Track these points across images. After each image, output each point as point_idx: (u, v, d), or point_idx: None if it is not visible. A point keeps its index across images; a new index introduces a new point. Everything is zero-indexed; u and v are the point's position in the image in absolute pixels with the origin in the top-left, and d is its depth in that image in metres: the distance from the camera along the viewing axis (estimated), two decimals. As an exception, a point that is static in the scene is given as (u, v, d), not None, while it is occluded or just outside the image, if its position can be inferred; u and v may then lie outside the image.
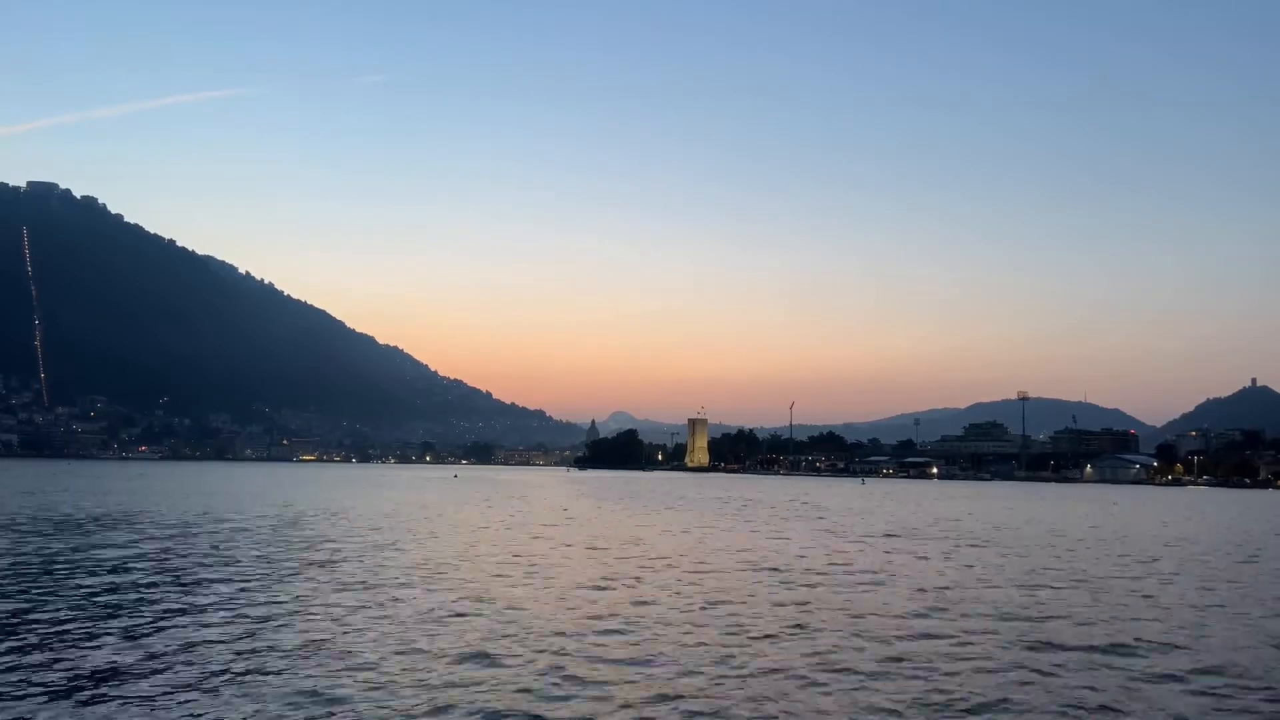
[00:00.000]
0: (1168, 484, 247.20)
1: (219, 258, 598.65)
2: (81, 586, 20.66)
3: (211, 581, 22.08)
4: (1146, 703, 12.71)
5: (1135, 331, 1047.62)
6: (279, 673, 12.99)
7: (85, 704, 11.34)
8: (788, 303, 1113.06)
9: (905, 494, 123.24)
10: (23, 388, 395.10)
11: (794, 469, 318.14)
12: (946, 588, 24.19)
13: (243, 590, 20.69)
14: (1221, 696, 13.18)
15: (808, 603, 20.86)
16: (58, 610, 17.53)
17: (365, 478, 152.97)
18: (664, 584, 23.67)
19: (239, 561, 26.32)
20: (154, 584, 21.33)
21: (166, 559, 26.51)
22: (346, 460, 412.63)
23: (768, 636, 16.56)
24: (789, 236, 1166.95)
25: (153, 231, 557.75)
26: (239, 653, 14.10)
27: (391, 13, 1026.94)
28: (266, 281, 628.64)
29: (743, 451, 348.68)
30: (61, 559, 25.94)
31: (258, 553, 28.64)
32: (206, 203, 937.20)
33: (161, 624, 16.35)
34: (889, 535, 43.44)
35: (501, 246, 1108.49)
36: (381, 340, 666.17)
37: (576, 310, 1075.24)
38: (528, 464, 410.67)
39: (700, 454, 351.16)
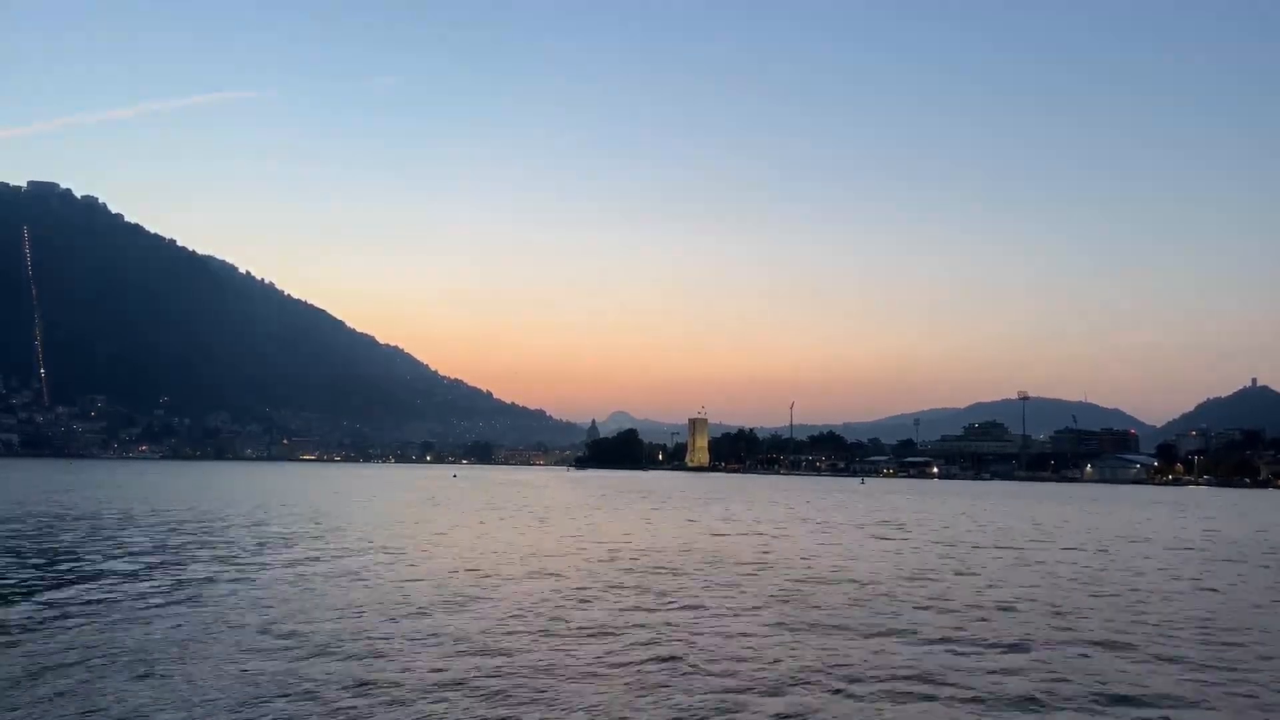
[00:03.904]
0: (1168, 484, 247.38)
1: (219, 257, 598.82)
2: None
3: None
4: None
5: (1136, 331, 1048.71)
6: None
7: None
8: (788, 302, 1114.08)
9: (957, 496, 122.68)
10: (23, 387, 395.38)
11: (794, 469, 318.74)
12: None
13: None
14: None
15: None
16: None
17: (389, 479, 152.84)
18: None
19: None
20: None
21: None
22: (347, 460, 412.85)
23: None
24: (789, 236, 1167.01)
25: (153, 231, 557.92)
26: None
27: (392, 14, 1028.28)
28: (267, 281, 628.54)
29: (743, 451, 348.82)
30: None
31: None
32: (206, 203, 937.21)
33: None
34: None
35: (501, 246, 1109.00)
36: (381, 340, 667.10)
37: (576, 310, 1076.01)
38: (528, 464, 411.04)
39: (700, 454, 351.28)
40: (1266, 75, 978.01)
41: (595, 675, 13.67)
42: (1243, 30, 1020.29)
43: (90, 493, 69.63)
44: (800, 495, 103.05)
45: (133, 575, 23.02)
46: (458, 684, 12.96)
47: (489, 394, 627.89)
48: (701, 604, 20.47)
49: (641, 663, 14.54)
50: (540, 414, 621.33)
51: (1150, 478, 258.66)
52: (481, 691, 12.57)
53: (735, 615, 19.04)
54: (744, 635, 16.92)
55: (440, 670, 13.71)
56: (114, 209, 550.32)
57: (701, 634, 17.00)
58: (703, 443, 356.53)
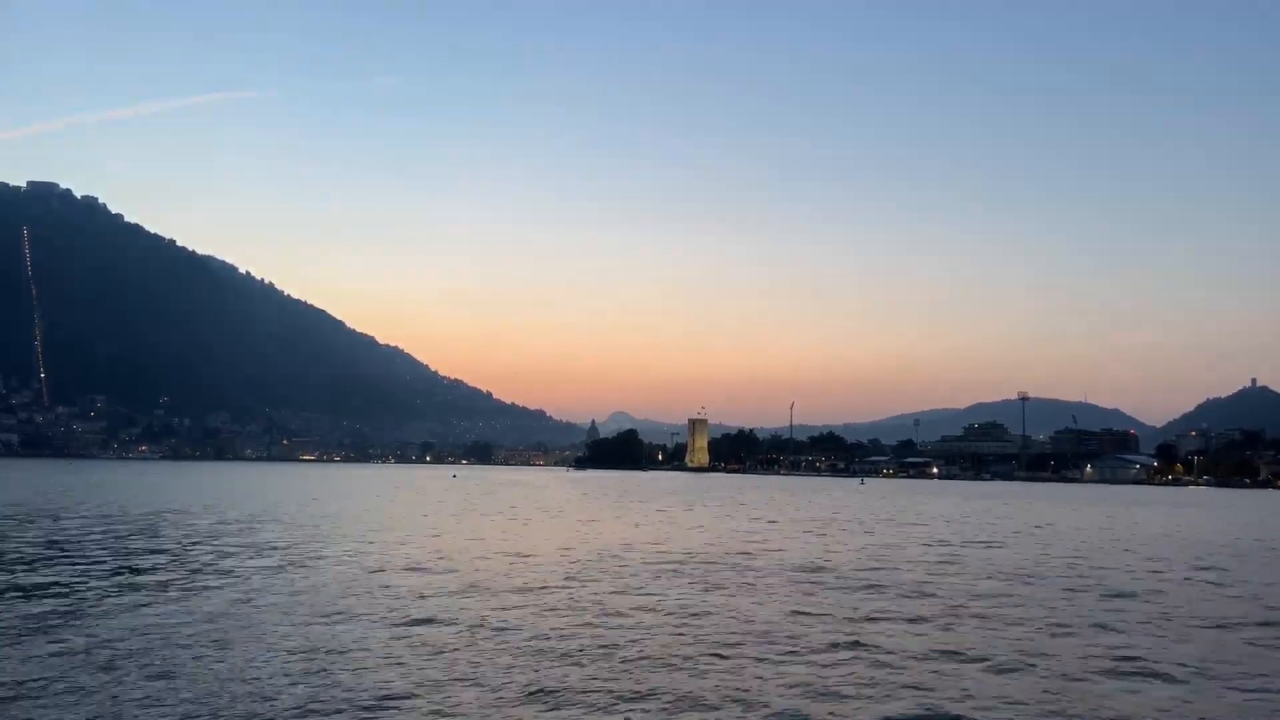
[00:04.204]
0: (1168, 484, 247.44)
1: (219, 258, 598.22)
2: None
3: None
4: None
5: (1136, 331, 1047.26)
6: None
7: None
8: (788, 302, 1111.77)
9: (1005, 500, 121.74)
10: (23, 387, 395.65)
11: (794, 469, 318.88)
12: None
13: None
14: None
15: None
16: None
17: (391, 480, 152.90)
18: None
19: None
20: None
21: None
22: (347, 460, 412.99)
23: None
24: (789, 236, 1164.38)
25: (153, 231, 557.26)
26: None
27: (392, 14, 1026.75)
28: (266, 281, 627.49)
29: (743, 452, 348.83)
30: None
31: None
32: (206, 203, 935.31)
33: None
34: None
35: (501, 246, 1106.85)
36: (381, 340, 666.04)
37: (576, 310, 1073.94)
38: (528, 464, 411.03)
39: (700, 454, 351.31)
40: (1266, 75, 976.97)
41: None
42: (1243, 30, 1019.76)
43: (97, 493, 69.73)
44: (799, 496, 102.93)
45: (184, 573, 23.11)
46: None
47: (489, 394, 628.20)
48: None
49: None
50: (540, 414, 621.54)
51: (1150, 478, 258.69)
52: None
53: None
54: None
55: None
56: (114, 209, 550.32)
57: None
58: (702, 443, 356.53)
